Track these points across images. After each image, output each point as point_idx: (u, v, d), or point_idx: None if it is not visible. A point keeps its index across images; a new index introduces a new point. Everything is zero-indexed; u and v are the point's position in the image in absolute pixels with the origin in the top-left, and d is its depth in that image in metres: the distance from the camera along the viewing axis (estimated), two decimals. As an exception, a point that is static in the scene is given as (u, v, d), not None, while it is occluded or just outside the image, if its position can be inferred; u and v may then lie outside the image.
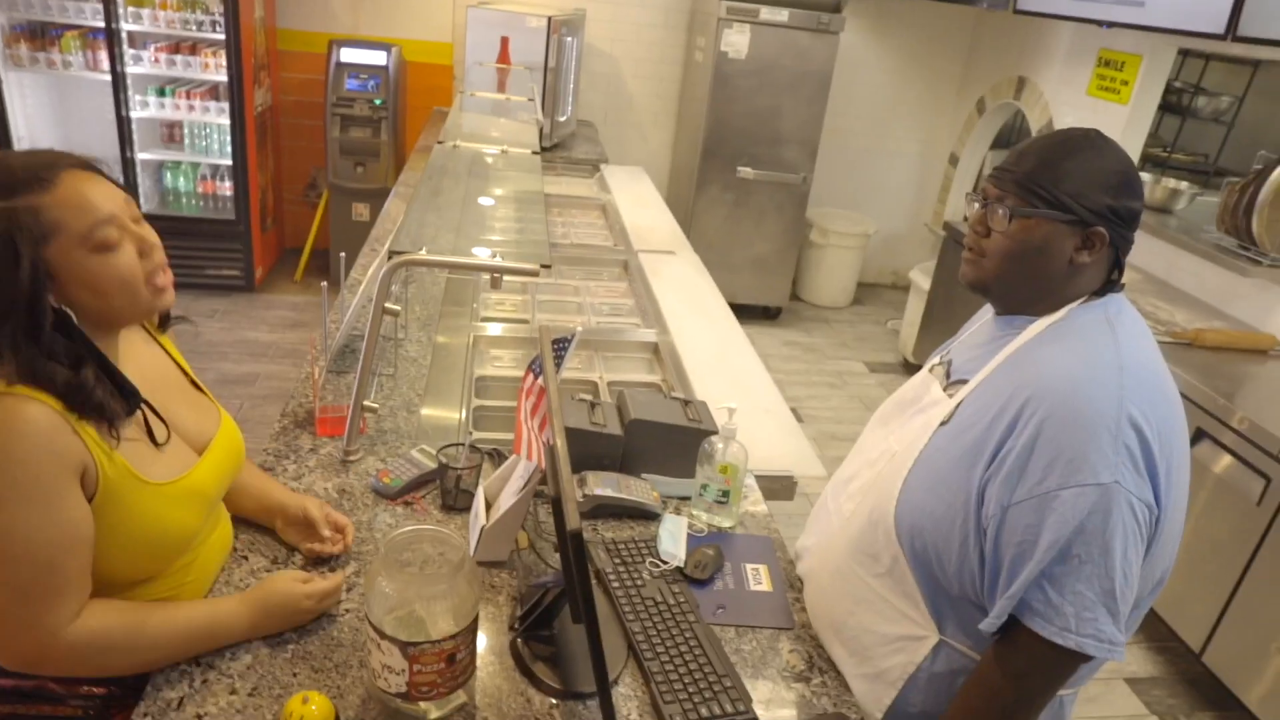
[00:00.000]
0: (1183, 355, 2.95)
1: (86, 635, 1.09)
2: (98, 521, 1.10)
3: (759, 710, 1.25)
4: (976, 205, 1.24)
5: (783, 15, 4.66)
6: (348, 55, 4.71)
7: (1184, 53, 5.09)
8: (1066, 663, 1.13)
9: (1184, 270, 3.66)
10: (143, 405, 1.17)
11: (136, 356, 1.25)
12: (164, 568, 1.21)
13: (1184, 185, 4.03)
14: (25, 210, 1.02)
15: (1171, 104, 5.22)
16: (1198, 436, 2.72)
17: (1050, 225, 1.16)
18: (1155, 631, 3.00)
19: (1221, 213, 3.45)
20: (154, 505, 1.16)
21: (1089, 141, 1.17)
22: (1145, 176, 4.12)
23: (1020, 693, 1.14)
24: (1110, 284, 1.22)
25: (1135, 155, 4.14)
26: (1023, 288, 1.22)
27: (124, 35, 4.34)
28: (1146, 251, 3.81)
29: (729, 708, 1.22)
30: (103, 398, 1.09)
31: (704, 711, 1.21)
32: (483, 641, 1.32)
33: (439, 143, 2.73)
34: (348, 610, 1.34)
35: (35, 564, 1.04)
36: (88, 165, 1.12)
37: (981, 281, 1.24)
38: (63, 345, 1.06)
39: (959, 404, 1.23)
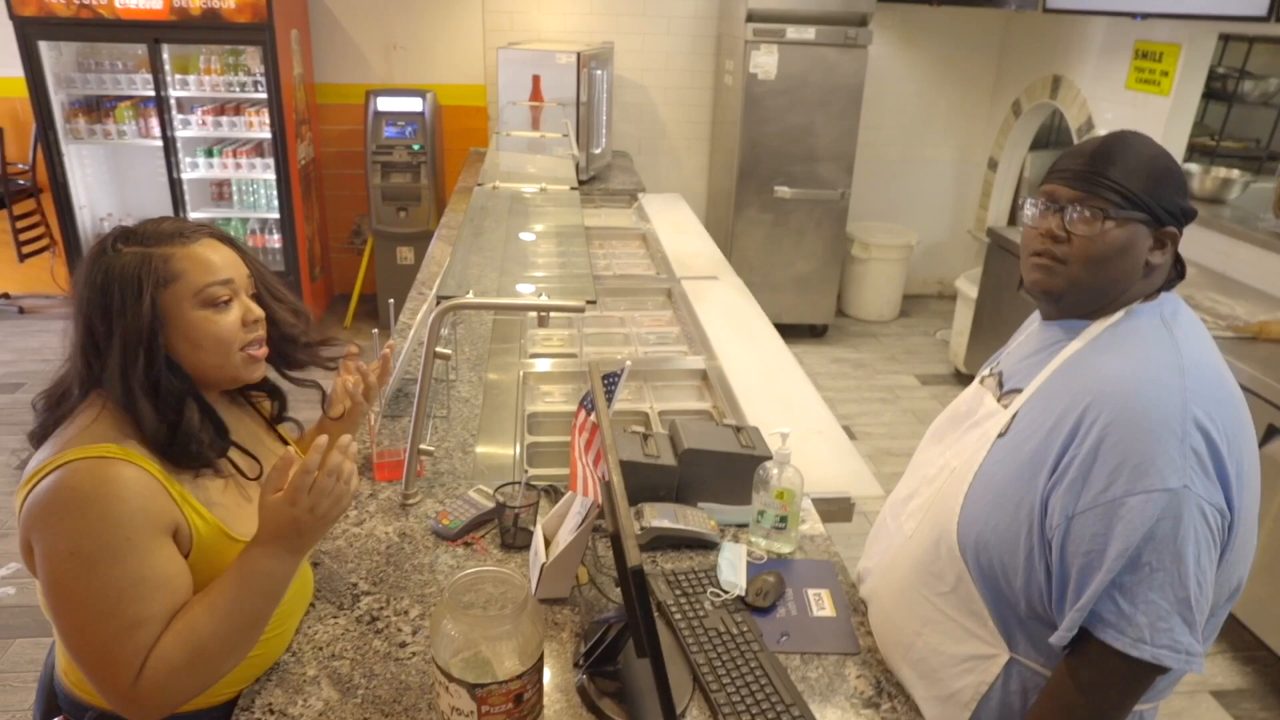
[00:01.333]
0: (1248, 350, 2.86)
1: (152, 672, 1.07)
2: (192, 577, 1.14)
3: (831, 739, 1.23)
4: (1041, 209, 1.19)
5: (809, 33, 4.67)
6: (384, 104, 4.84)
7: (1225, 38, 4.98)
8: (1142, 675, 1.09)
9: (1242, 261, 3.55)
10: (233, 444, 1.23)
11: (226, 413, 1.29)
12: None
13: (1235, 173, 3.92)
14: (158, 256, 1.14)
15: (1216, 90, 5.09)
16: (1269, 434, 2.62)
17: (1134, 227, 1.15)
18: (1240, 640, 2.89)
19: (1278, 199, 3.35)
20: None
21: (1155, 145, 1.17)
22: (1193, 167, 4.03)
23: (1095, 707, 1.11)
24: (1166, 283, 1.20)
25: (1181, 146, 4.05)
26: (1099, 292, 1.19)
27: (173, 102, 4.52)
28: (1201, 244, 3.71)
29: (800, 738, 1.21)
30: (199, 446, 1.15)
31: (775, 743, 1.20)
32: (549, 679, 1.32)
33: (478, 184, 2.79)
34: (414, 653, 1.36)
35: (122, 620, 1.06)
36: (226, 238, 1.23)
37: (1059, 289, 1.19)
38: (174, 386, 1.14)
39: (1015, 415, 1.21)
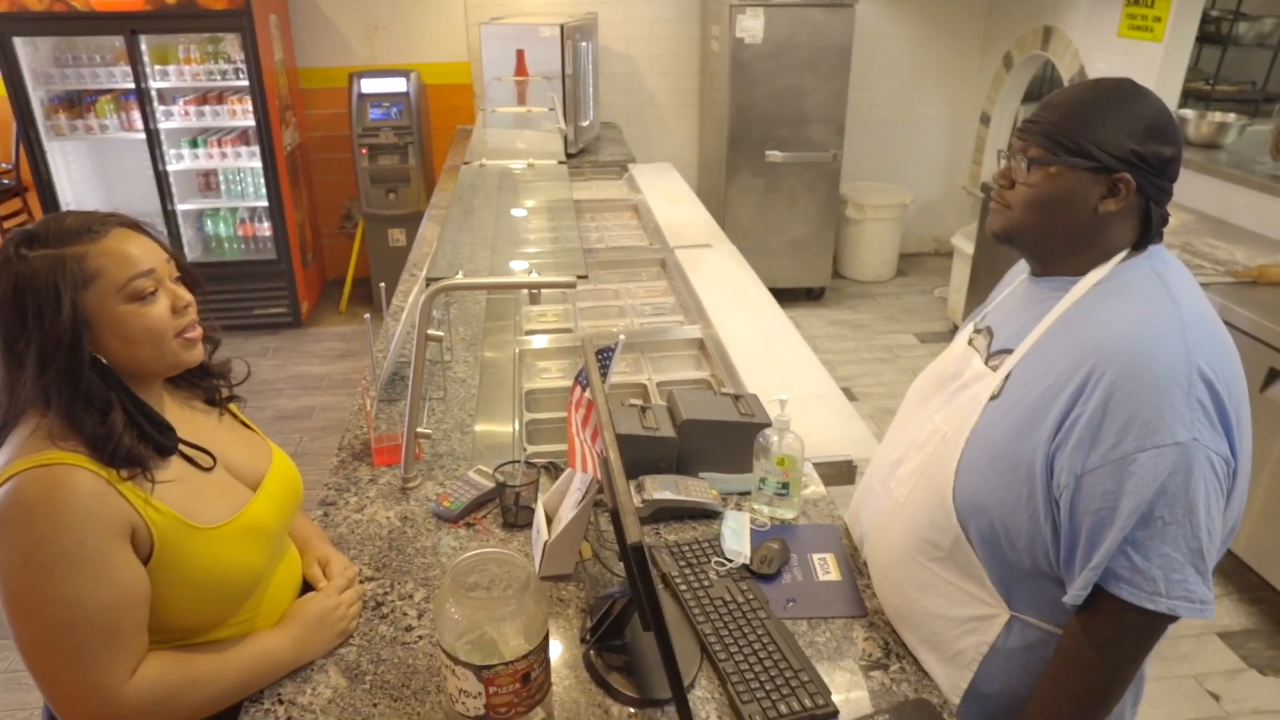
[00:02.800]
0: (1247, 294, 2.84)
1: (145, 691, 1.11)
2: (159, 576, 1.12)
3: (838, 701, 1.23)
4: (1003, 159, 1.23)
5: (795, -7, 4.60)
6: (368, 86, 4.78)
7: (1217, -20, 4.91)
8: (1156, 626, 1.10)
9: (1240, 205, 3.52)
10: (181, 443, 1.19)
11: (179, 407, 1.28)
12: (233, 611, 1.23)
13: (1231, 117, 3.88)
14: (71, 257, 1.08)
15: (1211, 34, 5.02)
16: (1271, 377, 2.62)
17: (1072, 173, 1.14)
18: (1245, 582, 2.90)
19: (1275, 141, 3.32)
20: (212, 549, 1.17)
21: (1118, 90, 1.14)
22: (1188, 113, 3.98)
23: (1112, 662, 1.11)
24: (1149, 236, 1.18)
25: (1175, 92, 4.00)
26: (1049, 239, 1.20)
27: (153, 93, 4.46)
28: (1198, 190, 3.68)
29: (808, 702, 1.21)
30: (131, 444, 1.11)
31: (783, 708, 1.20)
32: (556, 656, 1.32)
33: (465, 163, 2.76)
34: (420, 637, 1.36)
35: (89, 628, 1.06)
36: (136, 225, 1.17)
37: (1006, 231, 1.22)
38: (98, 388, 1.10)
39: (1008, 376, 1.20)
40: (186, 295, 1.19)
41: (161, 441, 1.16)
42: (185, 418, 1.26)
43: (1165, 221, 1.18)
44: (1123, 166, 1.11)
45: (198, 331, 1.20)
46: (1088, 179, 1.13)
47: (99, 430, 1.09)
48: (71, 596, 1.04)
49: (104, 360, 1.12)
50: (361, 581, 1.47)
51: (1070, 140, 1.13)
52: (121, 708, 1.09)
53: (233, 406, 1.39)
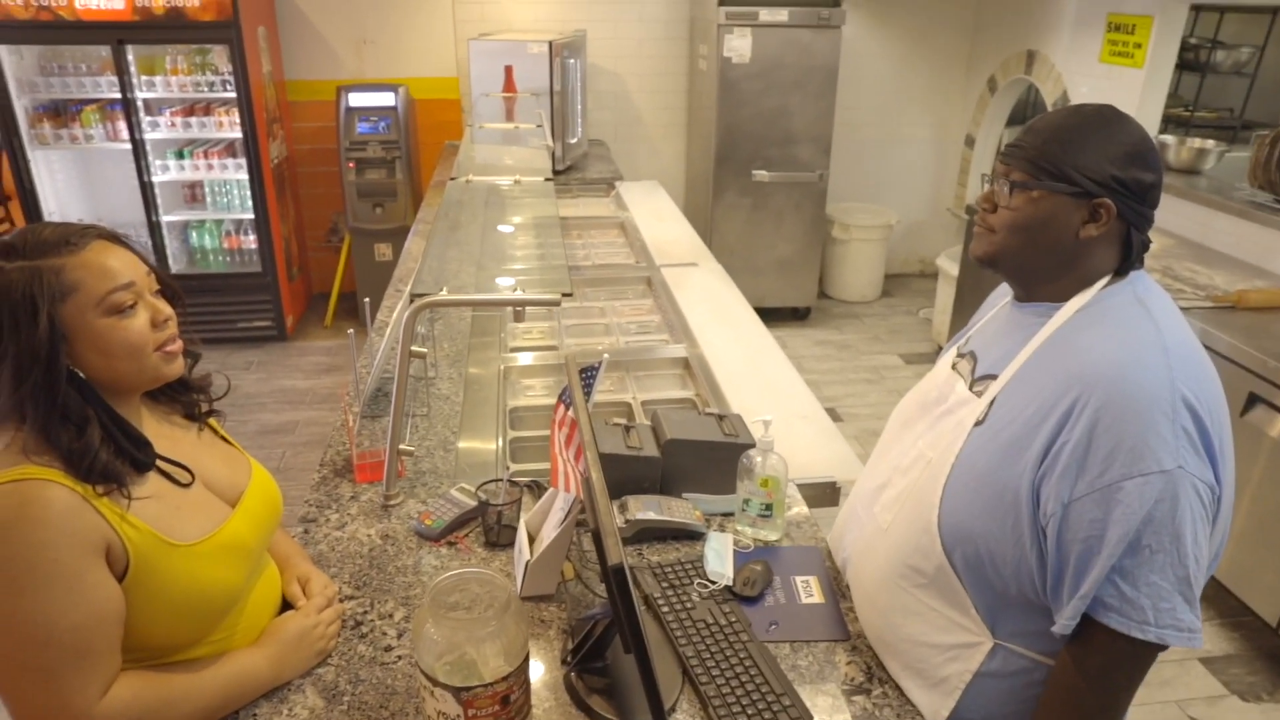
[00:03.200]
0: (1227, 319, 2.87)
1: (117, 711, 1.08)
2: (135, 593, 1.10)
3: (822, 727, 1.22)
4: (986, 183, 1.25)
5: (782, 15, 4.64)
6: (356, 100, 4.78)
7: (1197, 7, 4.99)
8: (1146, 656, 1.09)
9: (1219, 231, 3.57)
10: (159, 458, 1.17)
11: (161, 417, 1.26)
12: (210, 629, 1.21)
13: (1210, 144, 3.93)
14: (48, 269, 1.06)
15: (1189, 61, 5.10)
16: (1250, 402, 2.64)
17: (1053, 198, 1.14)
18: (1227, 607, 2.91)
19: (1253, 168, 3.36)
20: (189, 567, 1.15)
21: (1100, 116, 1.15)
22: (1168, 138, 4.03)
23: (1105, 692, 1.11)
24: (1129, 263, 1.19)
25: (1155, 118, 4.06)
26: (1031, 263, 1.20)
27: (139, 104, 4.44)
28: (1178, 215, 3.73)
29: (791, 727, 1.20)
30: (107, 460, 1.09)
31: (766, 733, 1.19)
32: (536, 677, 1.31)
33: (452, 178, 2.75)
34: (400, 657, 1.34)
35: (61, 647, 1.04)
36: (116, 237, 1.16)
37: (990, 255, 1.23)
38: (75, 402, 1.08)
39: (992, 402, 1.20)
40: (166, 309, 1.17)
41: (139, 457, 1.14)
42: (164, 433, 1.24)
43: (1146, 248, 1.19)
44: (1103, 192, 1.12)
45: (178, 345, 1.19)
46: (1069, 204, 1.14)
47: (75, 445, 1.07)
48: (44, 615, 1.02)
49: (81, 374, 1.10)
50: (341, 600, 1.45)
51: (1052, 165, 1.13)
52: (100, 715, 1.07)
53: (212, 421, 1.37)
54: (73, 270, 1.07)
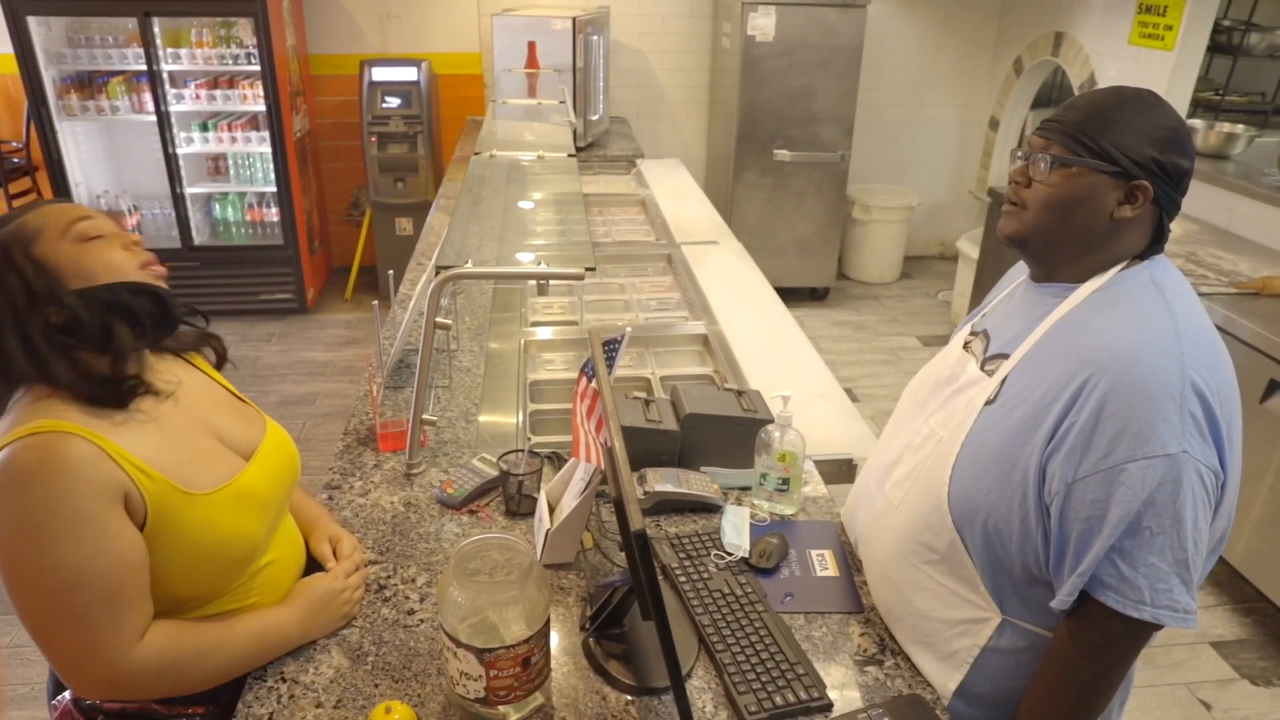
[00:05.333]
0: (1250, 305, 2.85)
1: (154, 656, 1.12)
2: (155, 543, 1.13)
3: (833, 695, 1.25)
4: (1019, 159, 1.21)
5: (808, -7, 4.61)
6: (379, 74, 4.79)
7: (1230, -10, 4.90)
8: (1141, 634, 1.11)
9: (1246, 217, 3.53)
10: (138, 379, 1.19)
11: (172, 373, 1.28)
12: (230, 581, 1.23)
13: (1240, 128, 3.88)
14: (8, 230, 1.11)
15: (1221, 44, 5.01)
16: (1271, 389, 2.62)
17: (1092, 175, 1.13)
18: (1241, 592, 2.91)
19: (1282, 154, 3.32)
20: (206, 515, 1.17)
21: (1140, 98, 1.14)
22: (1197, 123, 3.98)
23: (1098, 667, 1.13)
24: (1152, 247, 1.19)
25: (1185, 102, 4.00)
26: (1063, 243, 1.18)
27: (165, 76, 4.48)
28: (1204, 200, 3.69)
29: (803, 695, 1.23)
30: (133, 364, 1.15)
31: (778, 700, 1.22)
32: (556, 643, 1.34)
33: (475, 153, 2.77)
34: (422, 620, 1.38)
35: (92, 591, 1.07)
36: (67, 202, 1.20)
37: (1020, 234, 1.21)
38: (81, 315, 1.11)
39: (1003, 381, 1.21)
40: (134, 236, 1.20)
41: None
42: (173, 376, 1.26)
43: (1168, 235, 1.19)
44: (1142, 173, 1.12)
45: (157, 262, 1.21)
46: (1107, 183, 1.13)
47: (114, 345, 1.12)
48: (70, 561, 1.05)
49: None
50: (366, 565, 1.49)
51: (1093, 141, 1.12)
52: (129, 671, 1.10)
53: (224, 381, 1.40)
54: (31, 220, 1.13)
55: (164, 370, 1.26)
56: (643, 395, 1.78)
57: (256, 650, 1.25)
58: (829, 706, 1.23)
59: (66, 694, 1.26)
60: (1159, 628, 1.09)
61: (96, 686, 1.14)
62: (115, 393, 1.13)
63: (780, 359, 2.33)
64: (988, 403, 1.21)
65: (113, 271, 1.14)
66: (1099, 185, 1.13)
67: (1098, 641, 1.11)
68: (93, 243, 1.14)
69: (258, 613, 1.26)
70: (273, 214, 4.90)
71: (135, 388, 1.16)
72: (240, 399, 1.39)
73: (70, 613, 1.07)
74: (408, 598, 1.43)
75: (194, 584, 1.20)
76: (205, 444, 1.23)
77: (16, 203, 4.85)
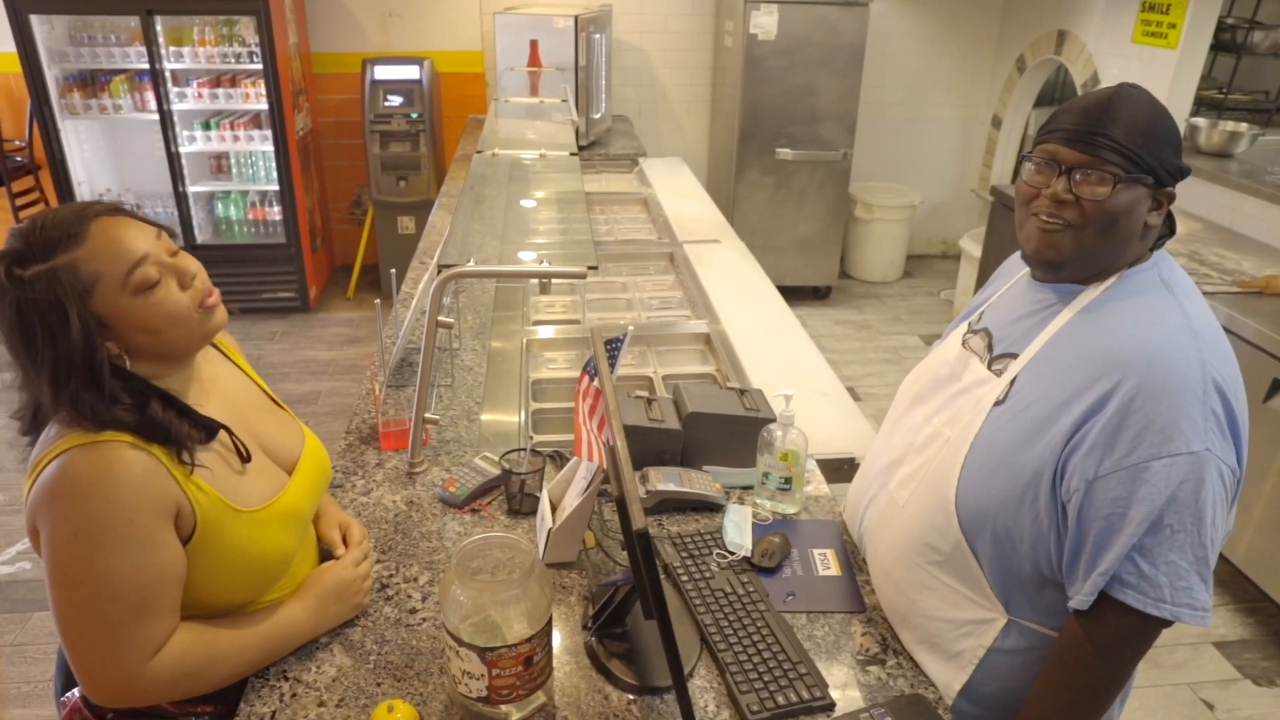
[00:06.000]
0: (1253, 305, 2.85)
1: (169, 664, 1.13)
2: (198, 555, 1.14)
3: (835, 695, 1.24)
4: (1040, 168, 1.15)
5: (810, -9, 4.60)
6: (381, 72, 4.79)
7: (1234, -12, 4.89)
8: (1154, 631, 1.11)
9: (1249, 215, 3.52)
10: (225, 430, 1.20)
11: (220, 382, 1.29)
12: (264, 591, 1.26)
13: (1244, 126, 3.88)
14: (64, 268, 1.05)
15: (1225, 42, 5.01)
16: (1274, 388, 2.62)
17: (1136, 190, 1.12)
18: (1244, 592, 2.91)
19: (1285, 152, 3.31)
20: (250, 532, 1.19)
21: (1157, 104, 1.14)
22: (1200, 121, 3.98)
23: (1110, 664, 1.13)
24: (1156, 241, 1.19)
25: (1188, 100, 4.00)
26: (1104, 256, 1.16)
27: (168, 74, 4.48)
28: (1207, 199, 3.68)
29: (805, 694, 1.22)
30: (173, 423, 1.12)
31: (780, 699, 1.22)
32: (558, 642, 1.34)
33: (478, 152, 2.77)
34: (424, 619, 1.38)
35: (125, 603, 1.08)
36: (115, 210, 1.14)
37: (1064, 255, 1.16)
38: (123, 388, 1.10)
39: (1013, 382, 1.20)
40: (190, 265, 1.16)
41: (206, 423, 1.16)
42: (219, 390, 1.27)
43: (1174, 230, 1.20)
44: (1171, 181, 1.13)
45: (215, 295, 1.18)
46: (1146, 195, 1.13)
47: (140, 420, 1.09)
48: (115, 571, 1.06)
49: (125, 360, 1.11)
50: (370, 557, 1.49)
51: (1142, 158, 1.10)
52: (144, 682, 1.11)
53: (263, 384, 1.40)
54: (86, 262, 1.06)
55: (205, 367, 1.27)
56: (645, 394, 1.78)
57: (271, 650, 1.25)
58: (831, 706, 1.23)
59: (75, 691, 1.27)
60: (1172, 624, 1.09)
61: (112, 697, 1.14)
62: (168, 438, 1.11)
63: (782, 358, 2.32)
64: (997, 403, 1.21)
65: (175, 322, 1.12)
66: (1140, 198, 1.13)
67: (1112, 639, 1.11)
68: (152, 292, 1.10)
69: (271, 611, 1.26)
70: (275, 212, 4.90)
71: (190, 434, 1.14)
72: (277, 402, 1.40)
73: (102, 621, 1.08)
74: (410, 596, 1.42)
75: (228, 594, 1.22)
76: (254, 459, 1.24)
77: (19, 201, 4.86)
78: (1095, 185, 1.11)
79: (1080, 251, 1.15)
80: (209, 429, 1.17)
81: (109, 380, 1.08)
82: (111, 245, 1.08)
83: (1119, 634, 1.11)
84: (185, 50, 4.49)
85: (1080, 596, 1.11)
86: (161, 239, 1.15)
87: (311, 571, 1.34)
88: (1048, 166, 1.15)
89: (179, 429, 1.12)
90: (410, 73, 4.80)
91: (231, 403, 1.27)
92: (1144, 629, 1.10)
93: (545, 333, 2.49)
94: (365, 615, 1.38)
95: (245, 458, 1.22)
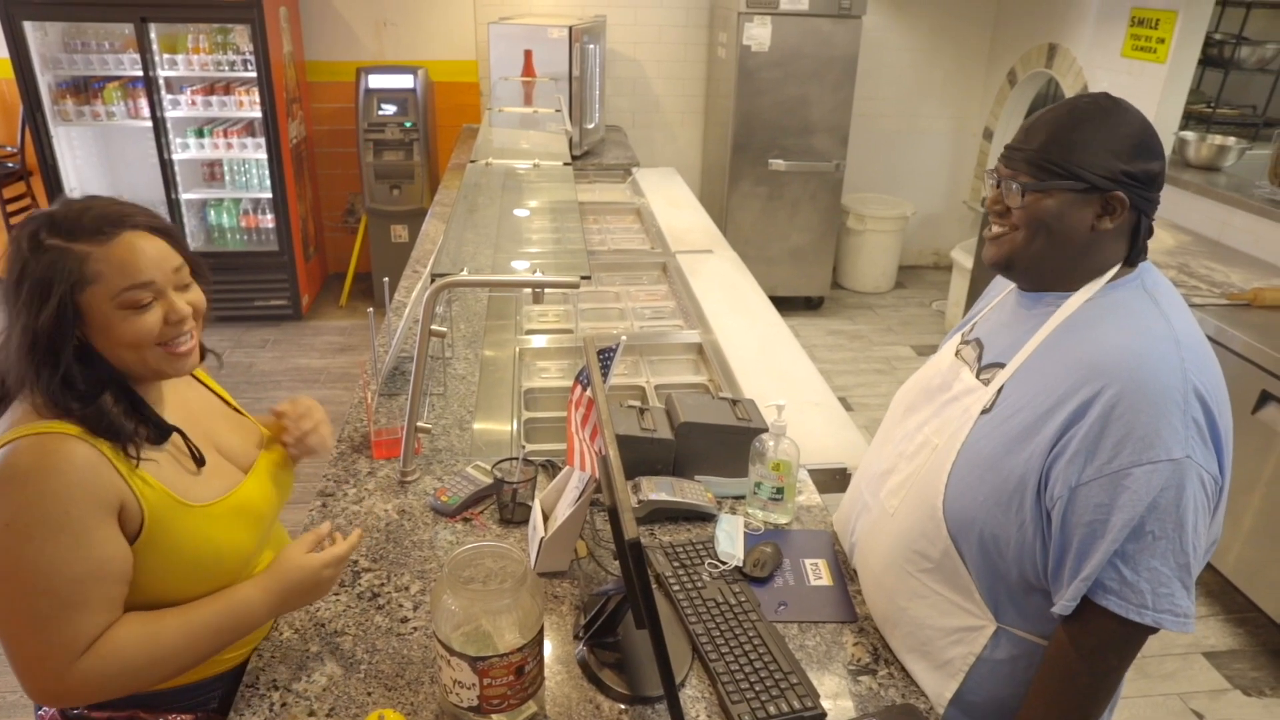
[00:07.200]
0: (1241, 316, 2.86)
1: (99, 660, 1.09)
2: (148, 551, 1.13)
3: (826, 705, 1.25)
4: (992, 185, 1.24)
5: (803, 3, 4.63)
6: (376, 81, 4.80)
7: (1222, 2, 4.94)
8: (1139, 638, 1.12)
9: (1237, 229, 3.55)
10: (178, 432, 1.20)
11: (177, 389, 1.29)
12: (220, 590, 1.22)
13: (1231, 140, 3.91)
14: (74, 256, 1.08)
15: (1213, 57, 5.06)
16: (1263, 400, 2.64)
17: (1066, 196, 1.15)
18: (1233, 603, 2.92)
19: (1274, 165, 3.35)
20: (203, 528, 1.18)
21: (1098, 108, 1.15)
22: (1188, 135, 4.01)
23: (1097, 671, 1.13)
24: (1137, 251, 1.20)
25: (1176, 114, 4.03)
26: (1047, 262, 1.21)
27: (161, 82, 4.47)
28: (1196, 212, 3.71)
29: (796, 704, 1.22)
30: (118, 419, 1.12)
31: (772, 709, 1.22)
32: (550, 651, 1.34)
33: (471, 161, 2.77)
34: (415, 628, 1.37)
35: (55, 596, 1.06)
36: (155, 228, 1.15)
37: (1005, 260, 1.23)
38: (81, 373, 1.10)
39: (1000, 390, 1.21)
40: (183, 309, 1.16)
41: (158, 424, 1.17)
42: (177, 397, 1.27)
43: (1150, 233, 1.20)
44: (1115, 186, 1.13)
45: (189, 345, 1.18)
46: (1079, 200, 1.15)
47: (87, 411, 1.10)
48: (47, 564, 1.05)
49: (93, 345, 1.12)
50: (356, 571, 1.48)
51: (1057, 165, 1.14)
52: (76, 678, 1.08)
53: (221, 391, 1.40)
54: (97, 261, 1.08)
55: (170, 385, 1.26)
56: (637, 404, 1.78)
57: (224, 639, 1.20)
58: (822, 716, 1.23)
59: None
60: (1157, 631, 1.10)
61: (44, 695, 1.11)
62: (115, 435, 1.12)
63: (775, 368, 2.33)
64: (984, 411, 1.22)
65: (134, 345, 1.12)
66: (1072, 203, 1.15)
67: (1097, 645, 1.12)
68: (134, 313, 1.11)
69: (224, 593, 1.20)
70: (268, 220, 4.89)
71: (138, 430, 1.15)
72: (238, 410, 1.40)
73: (30, 616, 1.06)
74: (401, 605, 1.42)
75: (182, 592, 1.19)
76: (208, 460, 1.24)
77: (10, 207, 4.84)
78: (1015, 195, 1.18)
79: (1020, 255, 1.21)
80: (161, 429, 1.16)
81: (70, 363, 1.09)
82: (127, 258, 1.10)
83: (1103, 640, 1.11)
84: (179, 58, 4.49)
85: (1064, 602, 1.11)
86: (178, 272, 1.16)
87: (280, 558, 1.25)
88: (991, 180, 1.24)
89: (126, 425, 1.12)
90: (404, 82, 4.81)
91: (187, 409, 1.27)
92: (1127, 635, 1.10)
93: (538, 342, 2.49)
94: (356, 624, 1.38)
95: (200, 461, 1.21)
